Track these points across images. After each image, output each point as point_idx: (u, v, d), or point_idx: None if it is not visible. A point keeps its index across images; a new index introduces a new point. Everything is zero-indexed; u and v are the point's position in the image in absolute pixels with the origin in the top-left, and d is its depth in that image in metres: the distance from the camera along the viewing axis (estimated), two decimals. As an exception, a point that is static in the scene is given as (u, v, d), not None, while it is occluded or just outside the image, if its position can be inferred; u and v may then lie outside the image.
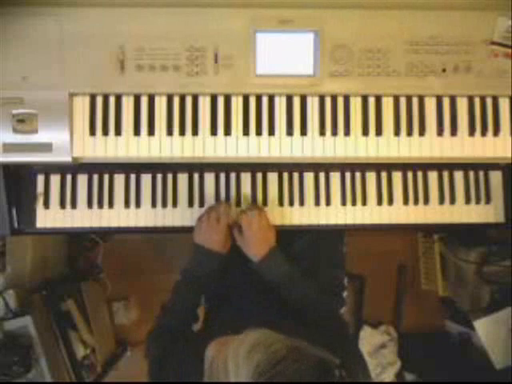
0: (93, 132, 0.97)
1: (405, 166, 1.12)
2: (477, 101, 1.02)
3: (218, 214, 1.00)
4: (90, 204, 1.07)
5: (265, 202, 1.10)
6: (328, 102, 1.00)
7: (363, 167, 1.11)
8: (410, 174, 1.12)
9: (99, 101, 0.98)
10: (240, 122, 0.99)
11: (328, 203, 1.10)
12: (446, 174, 1.13)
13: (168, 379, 0.82)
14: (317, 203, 1.10)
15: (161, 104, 0.98)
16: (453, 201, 1.12)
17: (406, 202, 1.11)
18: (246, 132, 0.99)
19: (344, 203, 1.10)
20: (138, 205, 1.08)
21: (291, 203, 1.10)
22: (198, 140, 0.98)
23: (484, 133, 1.01)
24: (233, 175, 1.10)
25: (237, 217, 1.02)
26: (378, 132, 1.00)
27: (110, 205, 1.08)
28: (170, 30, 0.94)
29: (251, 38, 0.95)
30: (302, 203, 1.10)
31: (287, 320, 0.85)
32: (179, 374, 0.81)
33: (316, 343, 0.68)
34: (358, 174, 1.11)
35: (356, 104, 1.00)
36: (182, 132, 0.98)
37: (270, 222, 1.02)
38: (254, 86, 0.97)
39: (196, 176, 1.10)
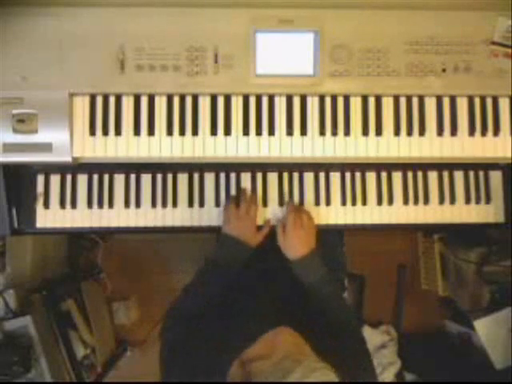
0: (93, 132, 0.97)
1: (405, 166, 1.12)
2: (477, 101, 1.02)
3: (247, 205, 1.02)
4: (89, 204, 1.07)
5: (265, 202, 1.10)
6: (328, 102, 1.00)
7: (363, 167, 1.11)
8: (410, 174, 1.12)
9: (99, 101, 0.98)
10: (240, 122, 0.99)
11: (328, 203, 1.10)
12: (446, 174, 1.13)
13: (179, 362, 0.81)
14: (317, 203, 1.10)
15: (161, 104, 0.98)
16: (453, 201, 1.12)
17: (406, 202, 1.11)
18: (246, 132, 0.99)
19: (344, 203, 1.10)
20: (137, 205, 1.08)
21: (291, 203, 1.10)
22: (198, 140, 0.99)
23: (484, 133, 1.01)
24: (233, 175, 1.10)
25: (285, 214, 1.04)
26: (378, 132, 1.00)
27: (110, 205, 1.08)
28: (169, 30, 0.94)
29: (251, 38, 0.95)
30: (302, 203, 1.10)
31: (305, 321, 0.84)
32: (191, 358, 0.80)
33: (330, 350, 0.70)
34: (357, 174, 1.11)
35: (356, 104, 1.00)
36: (182, 132, 0.98)
37: (314, 224, 1.03)
38: (254, 86, 0.97)
39: (196, 176, 1.10)
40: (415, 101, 1.01)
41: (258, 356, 0.70)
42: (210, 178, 1.10)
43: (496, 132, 1.02)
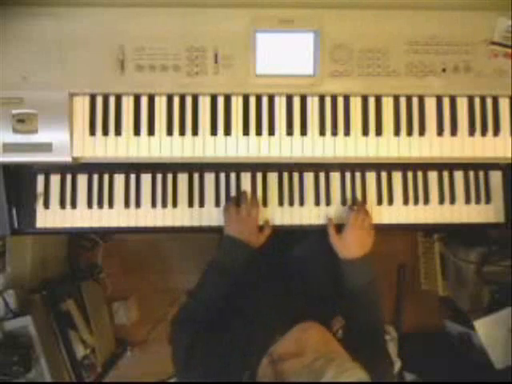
0: (93, 132, 0.97)
1: (405, 166, 1.12)
2: (477, 101, 1.02)
3: (248, 206, 1.02)
4: (89, 204, 1.07)
5: (265, 202, 1.09)
6: (328, 102, 1.00)
7: (363, 167, 1.11)
8: (410, 174, 1.12)
9: (99, 101, 0.98)
10: (240, 122, 0.99)
11: (328, 203, 1.10)
12: (445, 174, 1.13)
13: (197, 367, 0.81)
14: (317, 203, 1.10)
15: (161, 104, 0.98)
16: (453, 201, 1.12)
17: (406, 202, 1.11)
18: (246, 132, 0.99)
19: (344, 203, 1.10)
20: (138, 205, 1.08)
21: (291, 203, 1.10)
22: (198, 140, 0.99)
23: (484, 133, 1.01)
24: (233, 175, 1.10)
25: (346, 212, 1.05)
26: (378, 132, 1.00)
27: (110, 205, 1.08)
28: (170, 30, 0.94)
29: (251, 38, 0.95)
30: (301, 203, 1.10)
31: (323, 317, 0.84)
32: (208, 361, 0.80)
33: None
34: (357, 174, 1.11)
35: (356, 104, 1.00)
36: (182, 132, 0.98)
37: (373, 229, 1.03)
38: (254, 86, 0.97)
39: (196, 176, 1.10)
40: (415, 101, 1.01)
41: (288, 354, 0.69)
42: (209, 178, 1.10)
43: (496, 132, 1.02)
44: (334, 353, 0.67)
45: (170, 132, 0.98)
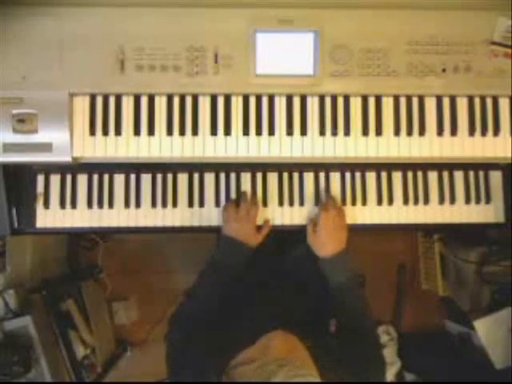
0: (93, 132, 0.97)
1: (405, 166, 1.12)
2: (477, 101, 1.02)
3: (247, 206, 1.02)
4: (89, 204, 1.07)
5: (265, 202, 1.09)
6: (328, 102, 1.00)
7: (363, 167, 1.11)
8: (410, 174, 1.12)
9: (99, 101, 0.98)
10: (240, 122, 0.99)
11: (328, 203, 1.10)
12: (445, 174, 1.13)
13: (188, 366, 0.81)
14: (317, 203, 1.10)
15: (161, 104, 0.98)
16: (453, 201, 1.12)
17: (406, 202, 1.11)
18: (246, 132, 0.99)
19: (344, 203, 1.10)
20: (138, 205, 1.08)
21: (291, 203, 1.10)
22: (198, 140, 0.98)
23: (484, 133, 1.01)
24: (233, 175, 1.10)
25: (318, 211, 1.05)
26: (378, 132, 1.00)
27: (110, 205, 1.08)
28: (169, 30, 0.94)
29: (251, 37, 0.95)
30: (301, 203, 1.10)
31: (305, 323, 0.84)
32: (194, 361, 0.80)
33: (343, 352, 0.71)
34: (357, 174, 1.11)
35: (356, 104, 1.00)
36: (182, 132, 0.98)
37: (346, 224, 1.03)
38: (254, 86, 0.97)
39: (196, 176, 1.10)
40: (415, 101, 1.01)
41: (248, 359, 0.70)
42: (209, 178, 1.10)
43: (496, 132, 1.02)
44: (293, 359, 0.67)
45: (170, 132, 0.98)
